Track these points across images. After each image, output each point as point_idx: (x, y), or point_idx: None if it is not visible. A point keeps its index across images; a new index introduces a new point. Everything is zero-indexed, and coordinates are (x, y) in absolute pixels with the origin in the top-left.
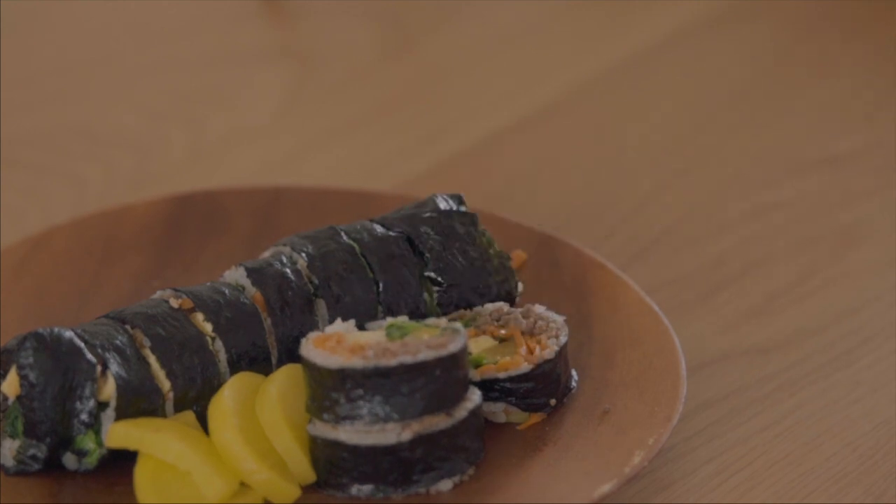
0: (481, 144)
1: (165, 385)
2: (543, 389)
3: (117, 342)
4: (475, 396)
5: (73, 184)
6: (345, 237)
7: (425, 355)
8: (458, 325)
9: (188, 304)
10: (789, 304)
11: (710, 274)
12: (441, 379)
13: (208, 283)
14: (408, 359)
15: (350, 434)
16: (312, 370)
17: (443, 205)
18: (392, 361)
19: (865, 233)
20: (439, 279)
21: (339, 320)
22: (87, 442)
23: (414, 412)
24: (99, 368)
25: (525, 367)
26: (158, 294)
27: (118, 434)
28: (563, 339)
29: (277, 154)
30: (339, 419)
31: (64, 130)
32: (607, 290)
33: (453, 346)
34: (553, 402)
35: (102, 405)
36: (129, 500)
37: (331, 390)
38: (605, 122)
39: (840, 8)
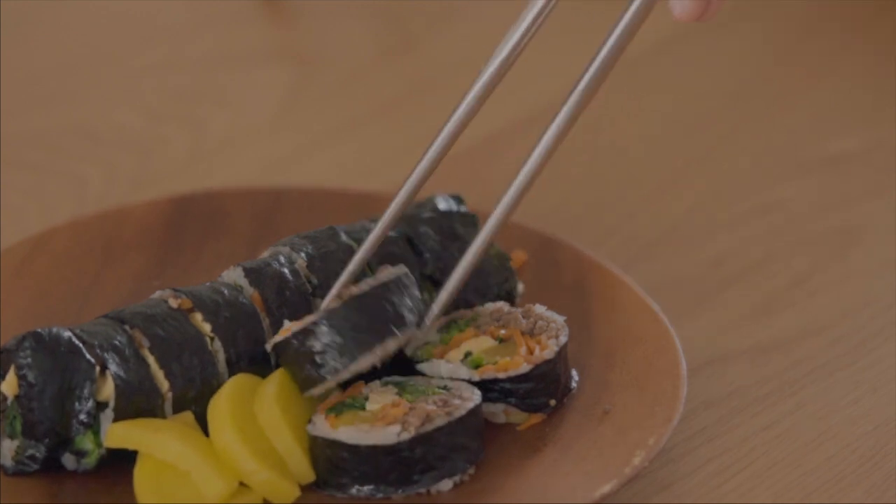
0: (481, 144)
1: (164, 385)
2: (543, 390)
3: (116, 342)
4: (475, 396)
5: (73, 184)
6: (344, 237)
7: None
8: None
9: (187, 303)
10: (789, 304)
11: (710, 274)
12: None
13: (207, 284)
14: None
15: (350, 434)
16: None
17: (443, 205)
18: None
19: (865, 233)
20: (439, 279)
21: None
22: (86, 442)
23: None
24: (98, 368)
25: (525, 367)
26: (157, 294)
27: (117, 434)
28: (563, 340)
29: (277, 154)
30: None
31: (64, 130)
32: (607, 290)
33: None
34: (553, 402)
35: (101, 405)
36: (129, 500)
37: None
38: (605, 121)
39: (840, 8)
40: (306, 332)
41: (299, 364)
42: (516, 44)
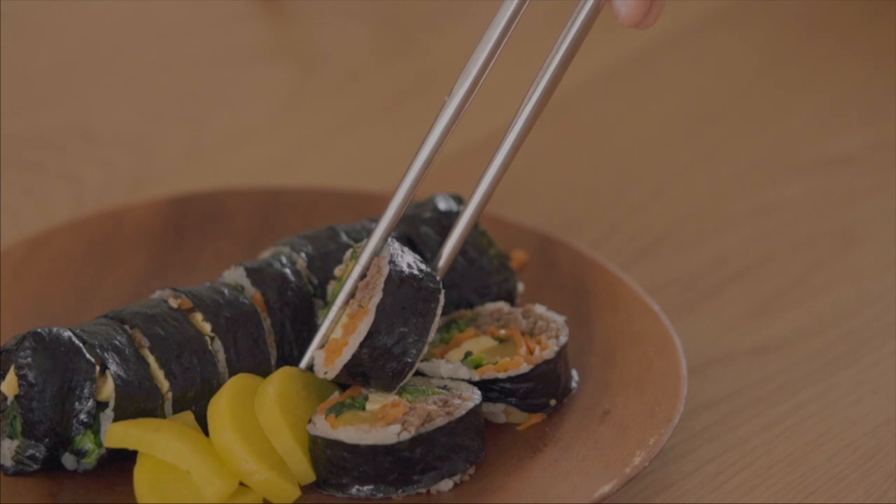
0: (481, 144)
1: (164, 385)
2: (543, 390)
3: (116, 342)
4: (475, 396)
5: (73, 184)
6: (344, 237)
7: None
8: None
9: (187, 303)
10: (789, 304)
11: (711, 274)
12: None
13: (207, 283)
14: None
15: (350, 434)
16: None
17: (443, 205)
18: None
19: (865, 233)
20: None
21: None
22: (86, 442)
23: None
24: (98, 368)
25: (525, 367)
26: (157, 294)
27: (117, 434)
28: (563, 340)
29: (277, 154)
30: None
31: (64, 130)
32: (607, 290)
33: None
34: (553, 402)
35: (101, 405)
36: (129, 500)
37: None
38: (606, 121)
39: (840, 8)
40: (372, 338)
41: (381, 368)
42: (496, 42)
